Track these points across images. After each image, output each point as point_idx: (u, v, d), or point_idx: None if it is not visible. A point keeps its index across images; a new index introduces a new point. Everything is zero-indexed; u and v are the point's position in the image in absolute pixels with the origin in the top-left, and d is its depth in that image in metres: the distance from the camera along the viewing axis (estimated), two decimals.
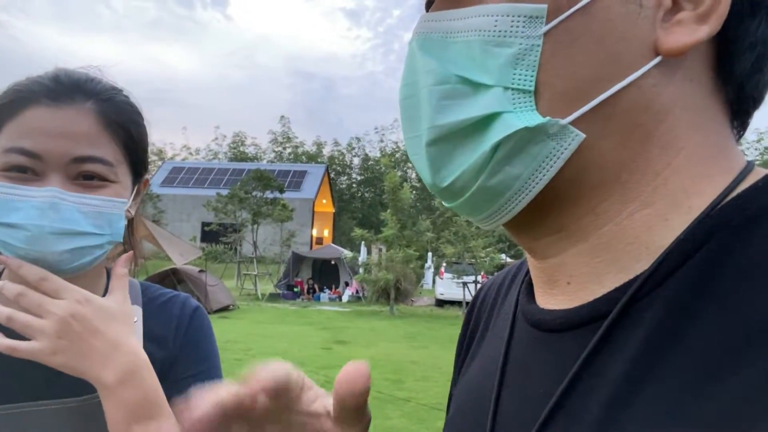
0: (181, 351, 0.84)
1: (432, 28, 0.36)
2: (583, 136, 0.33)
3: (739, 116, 0.38)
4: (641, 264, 0.34)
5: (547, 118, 0.33)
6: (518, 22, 0.33)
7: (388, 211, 16.93)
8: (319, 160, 43.96)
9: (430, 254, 22.02)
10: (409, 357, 8.79)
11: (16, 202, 0.68)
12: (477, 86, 0.34)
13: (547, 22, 0.33)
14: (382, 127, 54.79)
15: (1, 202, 0.68)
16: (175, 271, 12.42)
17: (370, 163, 45.61)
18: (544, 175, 0.34)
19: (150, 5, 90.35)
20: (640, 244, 0.34)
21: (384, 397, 6.35)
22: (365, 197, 44.56)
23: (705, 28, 0.33)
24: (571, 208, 0.36)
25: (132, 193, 0.78)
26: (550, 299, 0.38)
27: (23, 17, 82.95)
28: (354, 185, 46.40)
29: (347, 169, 46.84)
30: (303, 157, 45.05)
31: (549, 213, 0.36)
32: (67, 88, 0.72)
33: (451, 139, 0.35)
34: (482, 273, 15.72)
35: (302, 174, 33.48)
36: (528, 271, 0.43)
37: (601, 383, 0.31)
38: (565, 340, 0.35)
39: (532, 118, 0.33)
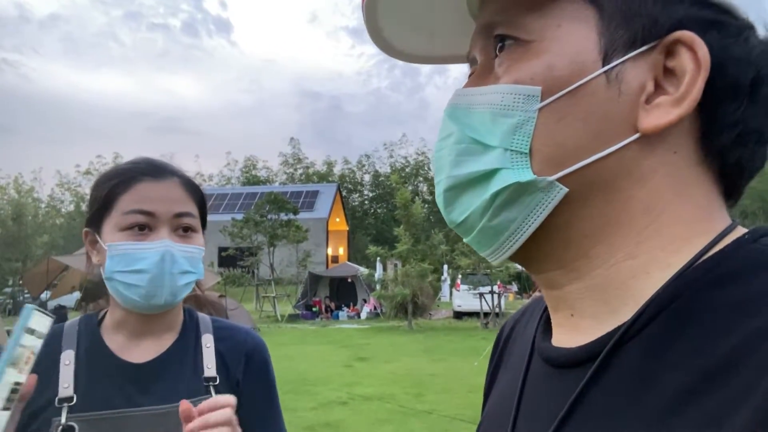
0: (244, 376, 1.04)
1: (460, 100, 0.45)
2: (566, 189, 0.40)
3: (730, 185, 0.42)
4: (628, 308, 0.39)
5: (535, 176, 0.41)
6: (518, 99, 0.41)
7: (401, 226, 17.09)
8: (330, 179, 44.29)
9: (445, 267, 22.08)
10: (429, 370, 8.89)
11: (141, 253, 0.95)
12: (485, 147, 0.42)
13: (541, 101, 0.40)
14: (391, 142, 55.43)
15: (130, 254, 0.95)
16: (195, 298, 12.64)
17: (380, 179, 45.87)
18: (535, 220, 0.42)
19: (157, 36, 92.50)
20: (626, 290, 0.40)
21: (406, 410, 6.46)
22: (378, 213, 44.75)
23: (677, 111, 0.38)
24: (567, 250, 0.43)
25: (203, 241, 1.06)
26: (560, 335, 0.45)
27: (34, 56, 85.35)
28: (366, 202, 46.67)
29: (358, 187, 47.16)
30: (314, 176, 45.43)
31: (547, 252, 0.44)
32: (160, 169, 1.02)
33: (462, 187, 0.44)
34: (498, 282, 15.77)
35: (314, 194, 33.83)
36: (546, 308, 0.50)
37: (588, 415, 0.38)
38: (566, 375, 0.42)
39: (525, 175, 0.41)
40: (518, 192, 0.41)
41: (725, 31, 0.39)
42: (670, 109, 0.39)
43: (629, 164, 0.40)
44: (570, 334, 0.44)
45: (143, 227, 0.96)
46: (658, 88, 0.40)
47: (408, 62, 0.54)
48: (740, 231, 0.40)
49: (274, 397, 1.08)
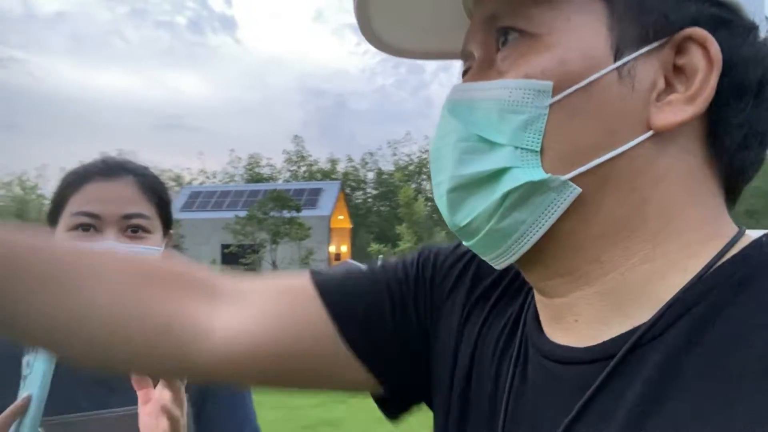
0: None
1: (462, 96, 0.43)
2: (579, 190, 0.39)
3: (731, 188, 0.42)
4: (643, 312, 0.38)
5: (549, 174, 0.39)
6: (528, 94, 0.39)
7: (404, 224, 17.10)
8: (333, 176, 44.23)
9: None
10: None
11: None
12: (493, 145, 0.40)
13: (553, 96, 0.39)
14: (395, 140, 55.26)
15: None
16: None
17: (384, 177, 45.86)
18: (545, 221, 0.40)
19: (163, 34, 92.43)
20: (641, 294, 0.39)
21: None
22: (381, 211, 44.72)
23: (691, 108, 0.38)
24: (577, 255, 0.41)
25: (163, 242, 1.02)
26: (559, 333, 0.43)
27: (40, 53, 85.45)
28: (369, 200, 46.61)
29: (362, 184, 47.10)
30: (317, 174, 45.41)
31: (556, 256, 0.41)
32: (113, 168, 0.99)
33: (468, 187, 0.41)
34: None
35: (317, 191, 33.81)
36: (529, 295, 0.48)
37: (603, 416, 0.37)
38: (574, 374, 0.40)
39: (537, 174, 0.39)
40: (529, 192, 0.39)
41: (734, 30, 0.39)
42: (683, 107, 0.38)
43: (642, 164, 0.39)
44: (573, 336, 0.42)
45: (88, 228, 0.94)
46: (668, 86, 0.39)
47: (398, 56, 0.53)
48: (751, 234, 0.40)
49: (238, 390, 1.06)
